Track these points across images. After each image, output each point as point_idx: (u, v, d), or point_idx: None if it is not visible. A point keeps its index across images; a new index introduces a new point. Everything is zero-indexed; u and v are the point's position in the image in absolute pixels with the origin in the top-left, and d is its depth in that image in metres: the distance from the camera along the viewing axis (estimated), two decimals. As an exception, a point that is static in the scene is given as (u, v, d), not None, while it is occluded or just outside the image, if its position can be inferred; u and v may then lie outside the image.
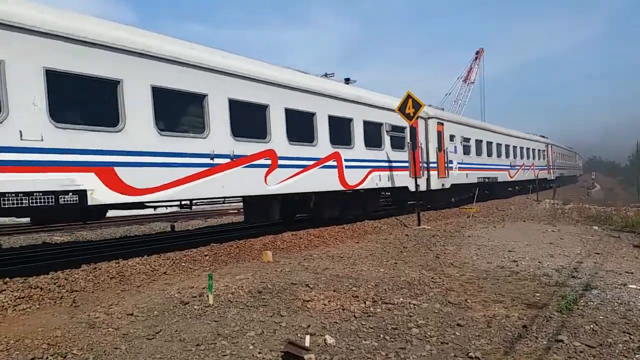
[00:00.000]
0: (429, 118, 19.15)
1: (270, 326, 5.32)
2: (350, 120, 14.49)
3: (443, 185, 19.94)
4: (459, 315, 5.58)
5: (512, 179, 30.59)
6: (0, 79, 7.02)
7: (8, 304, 6.39)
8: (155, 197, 9.06)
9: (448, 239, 11.86)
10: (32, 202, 7.24)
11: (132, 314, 5.80)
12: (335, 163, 13.61)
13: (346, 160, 14.03)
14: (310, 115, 12.91)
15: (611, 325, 5.16)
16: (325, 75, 16.04)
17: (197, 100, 9.92)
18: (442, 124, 20.21)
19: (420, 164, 17.70)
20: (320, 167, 13.12)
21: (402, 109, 15.15)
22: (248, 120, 11.11)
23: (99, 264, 8.41)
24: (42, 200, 7.34)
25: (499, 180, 27.91)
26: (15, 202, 7.06)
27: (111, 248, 11.08)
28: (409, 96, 14.94)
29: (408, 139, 17.14)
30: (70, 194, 7.68)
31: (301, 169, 12.48)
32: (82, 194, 7.83)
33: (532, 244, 10.87)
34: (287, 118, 12.00)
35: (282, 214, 12.99)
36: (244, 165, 10.85)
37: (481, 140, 24.91)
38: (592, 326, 5.11)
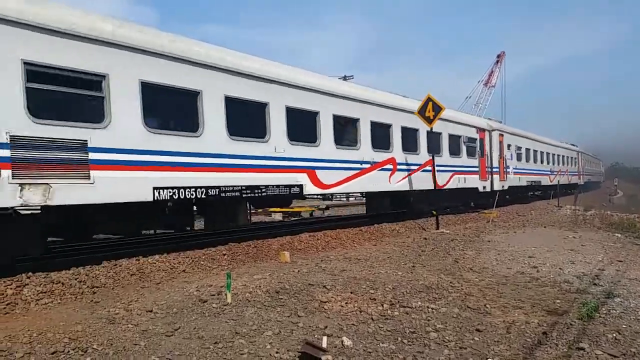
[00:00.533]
0: (492, 130, 23.12)
1: (287, 326, 5.33)
2: (439, 134, 18.31)
3: (503, 186, 23.84)
4: (478, 321, 5.53)
5: (552, 183, 33.65)
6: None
7: (31, 298, 6.53)
8: (333, 190, 13.47)
9: (467, 244, 11.76)
10: (280, 192, 11.58)
11: (151, 311, 5.87)
12: (429, 168, 16.36)
13: (437, 165, 16.72)
14: (415, 131, 16.97)
15: (635, 334, 5.05)
16: (345, 77, 16.39)
17: (353, 122, 14.28)
18: (502, 135, 24.36)
19: (486, 169, 22.32)
20: (421, 171, 17.00)
21: (421, 112, 15.08)
22: (381, 136, 15.26)
23: (120, 260, 8.53)
24: (284, 191, 11.69)
25: (542, 183, 31.97)
26: (272, 192, 11.35)
27: (131, 245, 11.20)
28: (429, 99, 14.86)
29: (478, 148, 21.50)
30: (296, 187, 11.97)
31: (409, 172, 16.46)
32: (300, 187, 12.11)
33: (553, 250, 10.71)
34: (402, 134, 16.07)
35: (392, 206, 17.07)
36: (378, 169, 14.99)
37: (529, 149, 29.10)
38: (614, 335, 5.01)
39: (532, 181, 29.56)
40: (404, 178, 16.10)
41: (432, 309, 5.95)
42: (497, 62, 69.95)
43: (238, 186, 10.52)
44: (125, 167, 8.41)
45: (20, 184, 7.04)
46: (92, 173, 7.87)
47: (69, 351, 4.60)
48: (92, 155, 7.90)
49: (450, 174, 18.94)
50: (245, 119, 11.00)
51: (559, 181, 35.11)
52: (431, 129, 15.69)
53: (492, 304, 6.23)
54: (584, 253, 10.26)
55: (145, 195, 8.71)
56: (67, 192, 7.54)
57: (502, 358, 4.46)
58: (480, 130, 22.05)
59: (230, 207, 11.43)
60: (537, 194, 33.11)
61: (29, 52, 7.26)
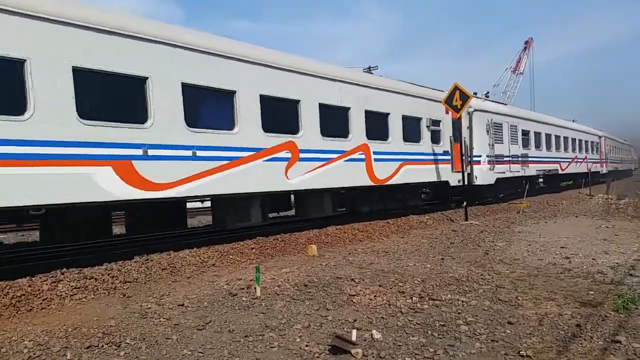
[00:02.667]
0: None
1: (316, 319, 5.35)
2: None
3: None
4: (510, 313, 5.44)
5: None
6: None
7: (66, 293, 6.70)
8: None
9: (497, 235, 11.59)
10: None
11: (182, 305, 5.96)
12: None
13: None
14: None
15: (674, 327, 4.90)
16: (369, 69, 16.10)
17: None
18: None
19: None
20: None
21: (448, 101, 14.89)
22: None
23: (151, 255, 8.68)
24: None
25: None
26: None
27: (162, 240, 11.38)
28: (456, 88, 14.67)
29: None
30: None
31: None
32: None
33: (585, 240, 10.47)
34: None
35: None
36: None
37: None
38: (652, 327, 4.87)
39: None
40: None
41: (463, 301, 5.89)
42: (525, 48, 68.59)
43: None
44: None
45: None
46: None
47: (103, 345, 4.70)
48: None
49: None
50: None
51: (589, 170, 33.62)
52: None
53: (523, 296, 6.13)
54: (618, 243, 10.00)
55: None
56: None
57: (535, 351, 4.38)
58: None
59: None
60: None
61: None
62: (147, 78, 8.57)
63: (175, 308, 5.88)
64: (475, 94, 20.39)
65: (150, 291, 6.92)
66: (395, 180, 14.53)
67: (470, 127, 18.73)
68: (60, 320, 5.55)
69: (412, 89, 15.87)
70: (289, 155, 11.20)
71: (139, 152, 8.40)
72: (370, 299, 6.07)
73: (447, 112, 16.64)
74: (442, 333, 4.88)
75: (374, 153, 13.66)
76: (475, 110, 18.82)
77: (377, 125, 13.89)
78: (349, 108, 12.96)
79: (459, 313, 5.47)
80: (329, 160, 12.27)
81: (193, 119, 9.32)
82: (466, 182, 17.11)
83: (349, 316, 5.44)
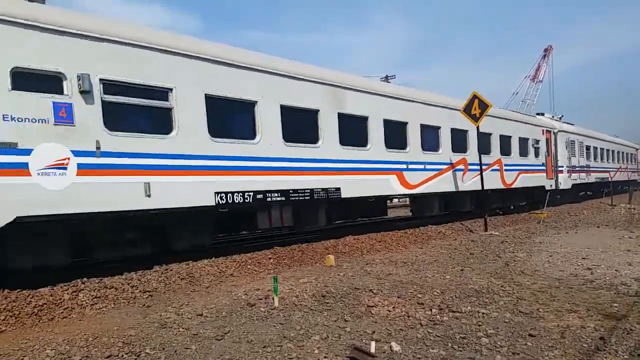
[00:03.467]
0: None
1: (334, 331, 5.32)
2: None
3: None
4: (531, 325, 5.36)
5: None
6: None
7: (86, 302, 6.77)
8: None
9: (517, 246, 11.44)
10: None
11: (201, 315, 5.98)
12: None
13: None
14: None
15: (702, 341, 4.78)
16: (386, 77, 16.18)
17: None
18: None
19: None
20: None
21: (467, 110, 14.81)
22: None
23: (170, 265, 8.74)
24: None
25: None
26: None
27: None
28: (475, 96, 14.57)
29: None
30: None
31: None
32: None
33: (608, 251, 10.27)
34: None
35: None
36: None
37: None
38: (679, 341, 4.75)
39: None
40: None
41: (483, 313, 5.81)
42: (545, 56, 68.04)
43: None
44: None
45: None
46: None
47: (122, 355, 4.74)
48: None
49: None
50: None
51: (611, 179, 34.23)
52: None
53: (545, 307, 6.03)
54: (643, 254, 9.79)
55: None
56: None
57: (558, 365, 4.30)
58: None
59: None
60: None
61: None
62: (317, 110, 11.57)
63: (194, 318, 5.91)
64: (560, 117, 28.56)
65: (170, 301, 6.96)
66: (516, 184, 20.14)
67: (555, 144, 24.23)
68: (81, 329, 5.61)
69: (525, 118, 22.48)
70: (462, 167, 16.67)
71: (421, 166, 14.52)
72: (389, 311, 6.02)
73: (543, 133, 22.84)
74: (462, 345, 4.82)
75: (504, 165, 19.11)
76: (559, 131, 24.71)
77: (506, 145, 19.42)
78: (491, 134, 18.28)
79: (479, 325, 5.39)
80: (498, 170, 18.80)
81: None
82: (553, 187, 23.55)
83: (368, 328, 5.40)
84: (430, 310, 5.99)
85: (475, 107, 14.55)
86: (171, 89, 8.63)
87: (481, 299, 6.48)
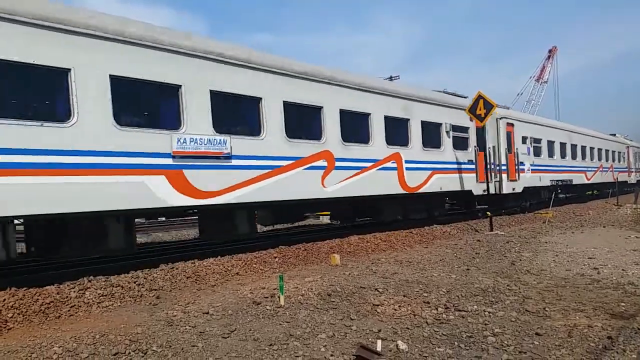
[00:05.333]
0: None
1: (340, 329, 5.33)
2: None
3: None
4: (538, 324, 5.34)
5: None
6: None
7: (93, 300, 6.80)
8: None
9: (523, 245, 11.41)
10: None
11: (207, 313, 6.00)
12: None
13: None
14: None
15: None
16: (390, 78, 16.07)
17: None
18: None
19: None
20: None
21: (472, 110, 14.78)
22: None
23: (176, 264, 8.76)
24: None
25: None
26: None
27: (186, 249, 11.49)
28: (480, 97, 14.55)
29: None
30: None
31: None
32: None
33: (614, 250, 10.24)
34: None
35: None
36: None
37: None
38: (688, 341, 4.73)
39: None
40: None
41: (489, 312, 5.80)
42: (549, 57, 67.78)
43: None
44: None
45: None
46: None
47: (129, 352, 4.76)
48: None
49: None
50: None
51: (617, 179, 33.06)
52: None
53: (551, 307, 6.02)
54: (649, 254, 9.75)
55: None
56: None
57: (565, 364, 4.29)
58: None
59: None
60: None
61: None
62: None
63: (201, 316, 5.92)
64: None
65: (176, 299, 6.98)
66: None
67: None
68: (88, 327, 5.63)
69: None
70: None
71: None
72: (395, 309, 6.02)
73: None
74: (468, 344, 4.81)
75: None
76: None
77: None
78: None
79: (485, 324, 5.39)
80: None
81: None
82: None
83: (374, 326, 5.40)
84: (437, 309, 5.99)
85: (480, 107, 14.53)
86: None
87: (487, 298, 6.47)
